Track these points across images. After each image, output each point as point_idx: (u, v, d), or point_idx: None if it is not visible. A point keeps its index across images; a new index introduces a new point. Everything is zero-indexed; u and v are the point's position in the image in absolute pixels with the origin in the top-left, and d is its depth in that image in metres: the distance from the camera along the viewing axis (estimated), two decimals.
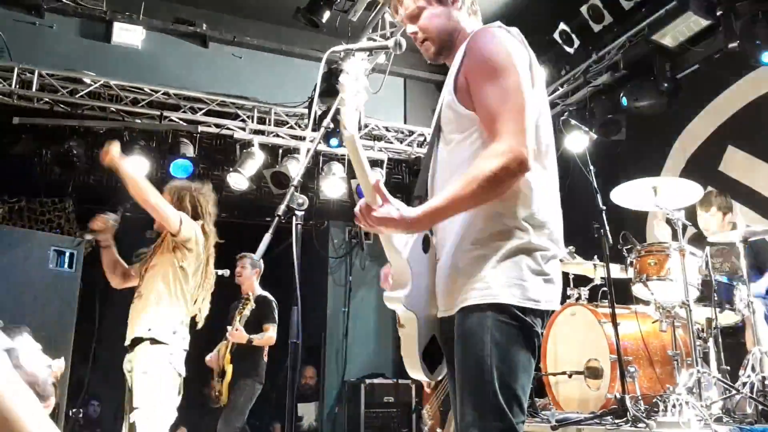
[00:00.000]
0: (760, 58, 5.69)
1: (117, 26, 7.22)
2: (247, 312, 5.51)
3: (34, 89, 7.11)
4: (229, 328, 5.61)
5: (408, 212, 1.81)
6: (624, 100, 6.66)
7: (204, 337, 3.86)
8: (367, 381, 7.68)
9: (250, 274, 6.00)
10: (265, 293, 5.95)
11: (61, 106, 7.27)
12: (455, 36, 2.15)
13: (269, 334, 5.66)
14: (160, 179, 7.41)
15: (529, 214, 1.94)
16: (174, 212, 3.74)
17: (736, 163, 6.19)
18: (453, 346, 1.94)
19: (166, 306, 3.69)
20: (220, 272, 4.57)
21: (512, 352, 1.86)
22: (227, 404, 5.58)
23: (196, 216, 3.96)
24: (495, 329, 1.85)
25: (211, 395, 6.08)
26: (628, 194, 4.61)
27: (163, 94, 7.59)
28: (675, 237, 4.43)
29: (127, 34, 7.19)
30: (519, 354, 1.87)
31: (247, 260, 5.99)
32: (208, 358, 5.91)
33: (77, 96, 7.30)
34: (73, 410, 6.81)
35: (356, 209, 1.86)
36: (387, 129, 8.52)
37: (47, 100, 7.20)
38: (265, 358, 5.79)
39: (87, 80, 7.22)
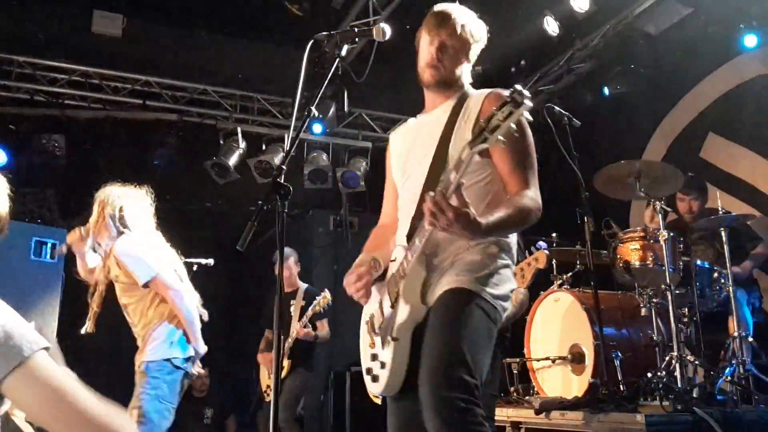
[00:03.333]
0: (740, 43, 5.78)
1: (97, 14, 7.12)
2: (310, 311, 5.71)
3: (13, 78, 7.04)
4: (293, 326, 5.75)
5: (480, 218, 2.00)
6: (605, 90, 6.73)
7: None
8: (353, 369, 7.68)
9: (296, 271, 6.14)
10: (311, 287, 6.07)
11: (42, 95, 7.19)
12: (457, 82, 2.46)
13: (327, 330, 5.94)
14: (142, 169, 7.37)
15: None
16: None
17: (716, 149, 6.25)
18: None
19: None
20: (204, 261, 4.55)
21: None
22: (284, 393, 5.72)
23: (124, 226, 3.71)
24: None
25: (261, 389, 6.19)
26: (610, 181, 4.65)
27: (145, 83, 7.53)
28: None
29: (107, 22, 7.09)
30: None
31: (291, 259, 6.05)
32: (260, 355, 6.06)
33: (57, 85, 7.22)
34: None
35: (430, 199, 1.93)
36: (372, 117, 8.52)
37: (27, 89, 7.13)
38: (314, 351, 6.02)
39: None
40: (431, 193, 1.95)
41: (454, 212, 1.91)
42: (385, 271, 2.42)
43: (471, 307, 2.14)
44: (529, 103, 1.77)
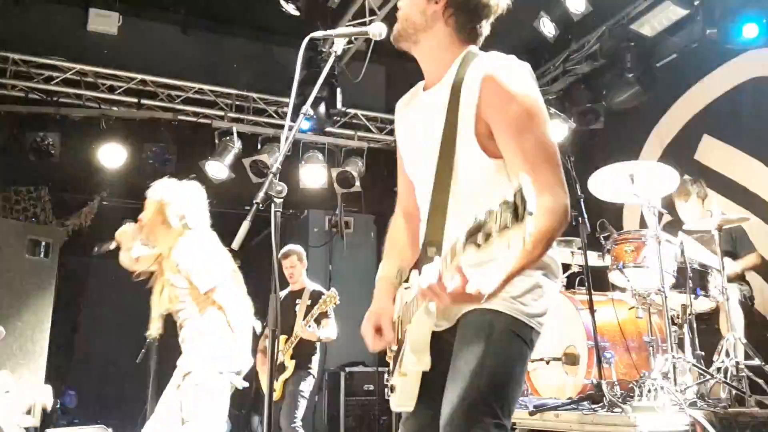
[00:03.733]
0: (737, 37, 5.74)
1: (93, 12, 7.11)
2: (315, 310, 5.56)
3: (8, 76, 7.02)
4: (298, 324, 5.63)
5: (487, 287, 1.63)
6: (604, 103, 6.77)
7: None
8: (347, 369, 7.69)
9: (301, 269, 5.96)
10: (319, 287, 5.89)
11: (37, 93, 7.17)
12: (420, 36, 2.05)
13: (332, 329, 5.70)
14: (137, 168, 7.35)
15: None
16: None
17: (711, 152, 6.27)
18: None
19: None
20: None
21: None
22: (285, 397, 5.59)
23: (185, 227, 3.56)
24: None
25: (261, 389, 6.10)
26: (605, 182, 4.65)
27: (140, 81, 7.51)
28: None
29: (103, 20, 7.08)
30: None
31: (294, 256, 5.91)
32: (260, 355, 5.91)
33: (53, 83, 7.20)
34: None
35: (426, 285, 1.65)
36: (367, 118, 8.52)
37: (22, 87, 7.11)
38: (318, 352, 5.82)
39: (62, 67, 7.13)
40: (424, 276, 1.67)
41: (451, 298, 1.62)
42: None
43: (503, 333, 1.87)
44: (529, 223, 1.31)
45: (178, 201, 3.58)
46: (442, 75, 2.04)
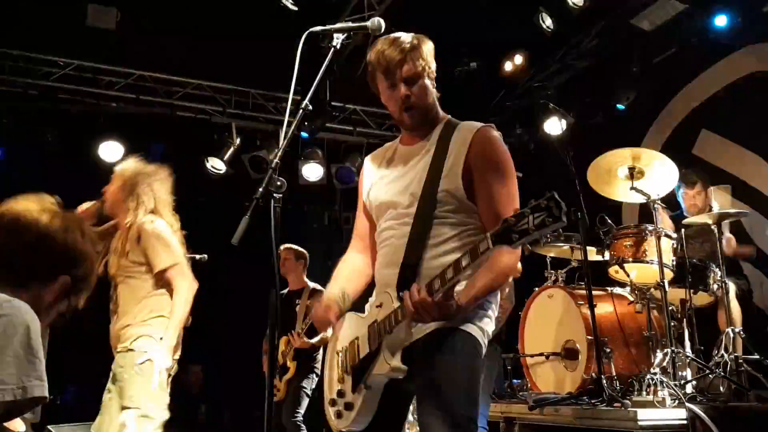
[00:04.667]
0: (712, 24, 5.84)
1: (91, 8, 7.09)
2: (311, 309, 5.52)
3: (6, 72, 7.01)
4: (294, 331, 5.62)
5: (462, 301, 2.02)
6: (620, 106, 6.75)
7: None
8: None
9: (295, 265, 5.90)
10: (318, 286, 5.82)
11: (35, 89, 7.16)
12: (435, 111, 2.32)
13: (324, 334, 5.65)
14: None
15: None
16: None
17: (709, 146, 6.27)
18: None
19: None
20: (198, 257, 4.50)
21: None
22: (287, 396, 5.60)
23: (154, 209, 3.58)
24: None
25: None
26: (604, 178, 4.66)
27: (139, 77, 7.50)
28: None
29: (102, 16, 7.06)
30: None
31: (290, 251, 5.88)
32: (264, 357, 5.89)
33: (51, 79, 7.19)
34: (50, 396, 6.77)
35: (411, 302, 1.95)
36: (366, 113, 8.51)
37: (20, 83, 7.09)
38: (321, 352, 5.78)
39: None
40: (414, 291, 1.95)
41: (439, 313, 1.95)
42: (363, 299, 2.35)
43: (466, 349, 2.12)
44: (565, 220, 1.66)
45: (149, 184, 3.58)
46: (426, 134, 2.32)
